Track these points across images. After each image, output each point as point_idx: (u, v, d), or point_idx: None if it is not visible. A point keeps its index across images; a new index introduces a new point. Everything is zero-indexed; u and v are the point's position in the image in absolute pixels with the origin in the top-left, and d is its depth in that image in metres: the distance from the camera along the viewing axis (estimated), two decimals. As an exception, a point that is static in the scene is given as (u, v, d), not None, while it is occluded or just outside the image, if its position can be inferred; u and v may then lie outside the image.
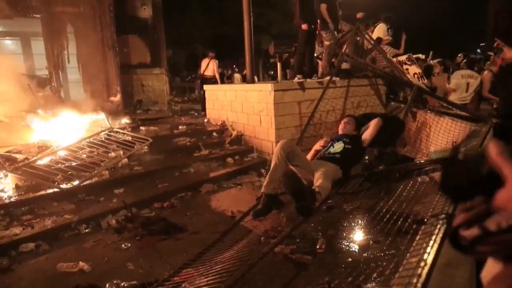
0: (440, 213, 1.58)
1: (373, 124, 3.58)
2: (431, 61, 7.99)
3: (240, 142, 5.94)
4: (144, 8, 9.85)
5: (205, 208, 4.03)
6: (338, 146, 3.48)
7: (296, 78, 5.47)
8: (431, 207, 1.75)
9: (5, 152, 4.51)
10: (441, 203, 1.74)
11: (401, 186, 2.99)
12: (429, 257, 1.22)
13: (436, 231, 1.40)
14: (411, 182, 2.96)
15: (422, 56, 7.69)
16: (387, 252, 2.89)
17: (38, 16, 7.74)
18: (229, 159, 5.34)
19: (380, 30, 7.20)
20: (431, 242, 1.30)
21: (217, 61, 9.51)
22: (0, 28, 9.30)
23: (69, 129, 5.74)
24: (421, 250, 1.26)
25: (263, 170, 5.20)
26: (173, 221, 3.58)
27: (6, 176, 4.15)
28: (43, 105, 6.76)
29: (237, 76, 14.17)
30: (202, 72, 9.46)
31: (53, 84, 7.90)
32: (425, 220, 1.53)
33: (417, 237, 1.42)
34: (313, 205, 2.86)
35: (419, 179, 3.01)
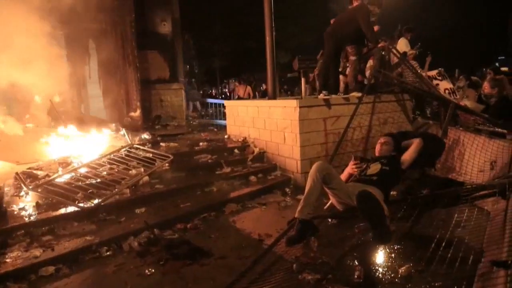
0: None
1: (414, 146, 3.34)
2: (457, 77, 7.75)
3: (262, 159, 5.76)
4: (164, 24, 9.92)
5: (230, 230, 3.84)
6: (375, 168, 3.25)
7: (321, 94, 5.30)
8: (501, 246, 1.52)
9: (27, 169, 4.43)
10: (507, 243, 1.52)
11: (448, 213, 2.76)
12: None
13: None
14: (465, 209, 2.73)
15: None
16: (433, 284, 2.66)
17: (61, 32, 7.83)
18: (252, 177, 5.16)
19: (402, 44, 7.01)
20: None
21: (249, 87, 12.88)
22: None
23: (89, 145, 5.68)
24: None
25: (287, 189, 5.00)
26: (198, 244, 3.40)
27: (27, 193, 4.06)
28: (64, 120, 6.75)
29: None
30: (242, 95, 12.32)
31: (74, 99, 7.92)
32: (508, 262, 1.31)
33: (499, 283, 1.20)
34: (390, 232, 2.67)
35: (470, 205, 2.77)
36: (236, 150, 5.97)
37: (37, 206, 3.86)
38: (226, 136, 6.90)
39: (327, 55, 5.88)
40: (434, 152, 3.66)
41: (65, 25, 7.66)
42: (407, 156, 3.35)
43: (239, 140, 6.35)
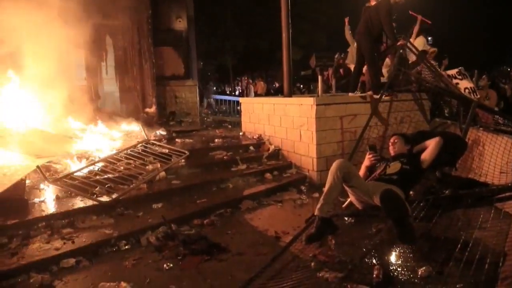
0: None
1: (433, 144, 3.28)
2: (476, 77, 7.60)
3: (277, 157, 5.75)
4: (180, 21, 9.94)
5: (247, 226, 3.85)
6: (395, 167, 3.21)
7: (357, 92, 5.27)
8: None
9: (46, 163, 4.51)
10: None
11: (470, 214, 2.71)
12: None
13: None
14: (486, 211, 2.67)
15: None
16: (452, 286, 2.62)
17: (78, 28, 7.91)
18: (268, 175, 5.15)
19: (419, 43, 6.90)
20: None
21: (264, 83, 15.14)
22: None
23: (106, 140, 5.75)
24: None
25: (303, 187, 5.00)
26: (215, 240, 3.42)
27: (47, 187, 4.13)
28: (81, 116, 6.84)
29: None
30: (260, 92, 13.81)
31: (90, 95, 8.02)
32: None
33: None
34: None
35: (491, 207, 2.71)
36: (251, 147, 5.98)
37: (57, 199, 3.93)
38: (241, 133, 6.91)
39: (362, 55, 5.81)
40: (455, 151, 3.58)
41: (82, 21, 7.76)
42: (427, 155, 3.29)
43: (254, 137, 6.35)
